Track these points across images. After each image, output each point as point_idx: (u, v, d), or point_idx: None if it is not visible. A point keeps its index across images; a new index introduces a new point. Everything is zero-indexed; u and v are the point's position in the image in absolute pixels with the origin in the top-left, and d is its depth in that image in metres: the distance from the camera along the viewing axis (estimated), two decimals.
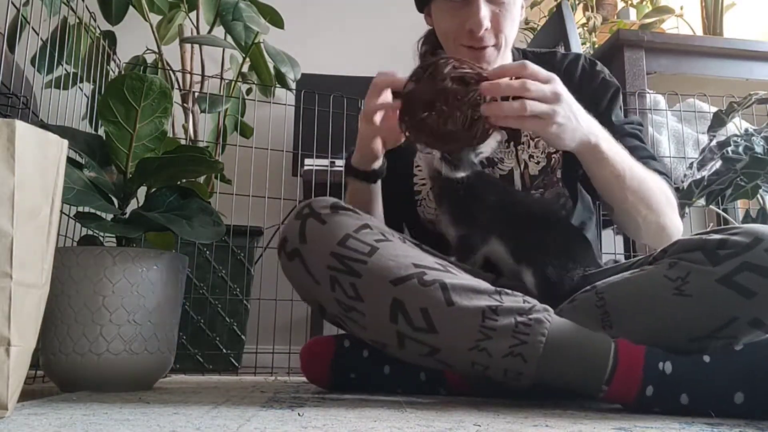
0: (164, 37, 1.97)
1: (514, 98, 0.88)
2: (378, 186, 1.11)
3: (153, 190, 1.19)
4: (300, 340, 1.78)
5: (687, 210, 1.67)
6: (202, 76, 2.02)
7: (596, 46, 2.20)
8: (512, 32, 1.10)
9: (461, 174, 1.00)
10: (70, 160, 1.00)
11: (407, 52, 1.22)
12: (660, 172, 1.07)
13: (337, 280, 0.88)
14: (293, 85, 1.96)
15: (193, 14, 2.00)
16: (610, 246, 2.06)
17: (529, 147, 1.15)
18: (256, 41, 1.86)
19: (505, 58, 1.15)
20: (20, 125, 0.69)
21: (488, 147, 1.01)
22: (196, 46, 2.02)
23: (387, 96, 0.96)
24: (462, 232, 1.03)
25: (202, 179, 1.77)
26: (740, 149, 1.56)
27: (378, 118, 0.98)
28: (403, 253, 0.89)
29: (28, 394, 0.95)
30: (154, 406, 0.82)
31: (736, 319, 0.82)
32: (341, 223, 0.91)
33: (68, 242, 1.34)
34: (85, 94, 1.56)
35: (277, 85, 2.01)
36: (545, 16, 2.37)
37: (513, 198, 1.08)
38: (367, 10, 2.55)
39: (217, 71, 2.08)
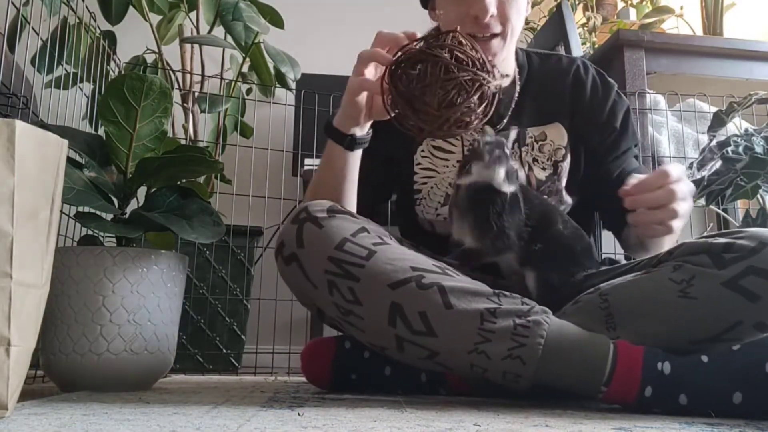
0: (164, 37, 1.97)
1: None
2: (356, 159, 1.03)
3: (153, 190, 1.19)
4: (300, 340, 1.78)
5: None
6: (202, 76, 2.02)
7: (596, 46, 2.20)
8: (518, 23, 1.09)
9: (511, 188, 0.96)
10: (70, 160, 1.00)
11: None
12: None
13: (335, 284, 0.88)
14: (293, 85, 1.96)
15: (193, 14, 2.00)
16: (610, 246, 2.06)
17: (533, 150, 1.15)
18: (256, 41, 1.86)
19: (510, 51, 1.13)
20: (20, 125, 0.69)
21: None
22: (196, 46, 2.02)
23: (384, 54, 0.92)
24: (479, 245, 0.98)
25: (202, 179, 1.77)
26: (740, 149, 1.56)
27: (371, 70, 0.94)
28: (400, 257, 0.89)
29: (28, 394, 0.95)
30: (154, 406, 0.82)
31: (740, 323, 0.82)
32: (338, 227, 0.90)
33: (68, 242, 1.34)
34: (85, 94, 1.56)
35: (277, 85, 2.01)
36: (545, 16, 2.37)
37: (537, 206, 1.03)
38: (368, 9, 2.55)
39: (217, 71, 2.08)
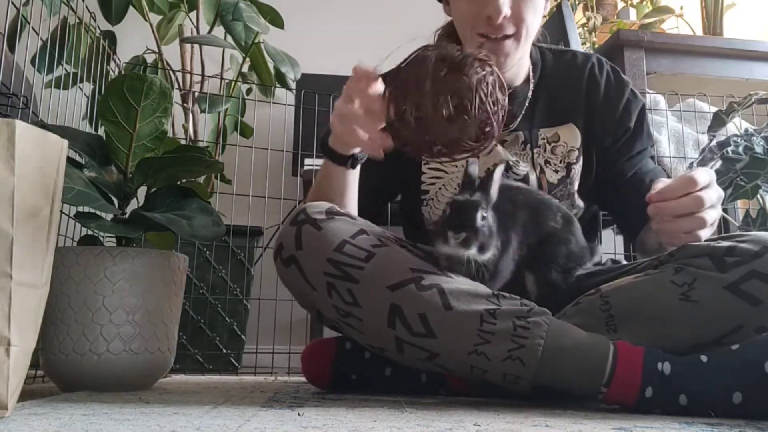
0: (164, 37, 1.97)
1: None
2: (356, 173, 1.02)
3: (153, 190, 1.18)
4: (300, 340, 1.78)
5: None
6: (202, 76, 2.01)
7: (596, 46, 2.20)
8: (535, 23, 1.05)
9: (487, 255, 0.90)
10: (70, 160, 1.00)
11: (409, 52, 1.22)
12: None
13: (334, 286, 0.88)
14: (293, 85, 1.96)
15: (193, 14, 2.00)
16: (610, 246, 2.06)
17: (545, 151, 1.13)
18: (256, 41, 1.86)
19: (525, 51, 1.10)
20: (20, 125, 0.69)
21: (495, 189, 0.91)
22: (196, 46, 2.02)
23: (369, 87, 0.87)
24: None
25: (202, 179, 1.77)
26: (740, 149, 1.56)
27: (356, 106, 0.88)
28: (400, 258, 0.89)
29: (28, 394, 0.95)
30: (154, 406, 0.82)
31: (741, 327, 0.82)
32: (337, 229, 0.90)
33: (68, 242, 1.34)
34: (85, 94, 1.56)
35: (277, 85, 2.01)
36: (545, 16, 2.37)
37: (542, 211, 1.00)
38: (368, 9, 2.55)
39: (217, 71, 2.08)
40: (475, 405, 0.87)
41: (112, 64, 1.75)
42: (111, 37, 1.91)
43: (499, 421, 0.69)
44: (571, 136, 1.14)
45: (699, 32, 2.31)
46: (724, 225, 1.93)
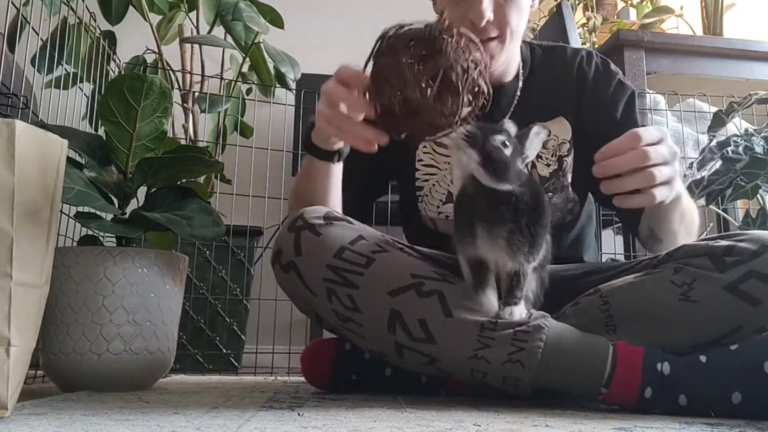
0: (164, 37, 1.97)
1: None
2: (339, 168, 1.00)
3: (153, 190, 1.19)
4: (300, 340, 1.78)
5: None
6: (202, 76, 2.01)
7: (596, 46, 2.20)
8: (520, 24, 1.05)
9: (507, 186, 0.82)
10: (70, 160, 1.00)
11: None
12: None
13: (334, 292, 0.88)
14: (293, 85, 1.96)
15: (193, 14, 2.00)
16: (610, 246, 2.06)
17: None
18: (256, 41, 1.86)
19: (512, 51, 1.10)
20: (20, 125, 0.69)
21: (533, 150, 0.86)
22: (196, 46, 2.02)
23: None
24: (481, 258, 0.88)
25: (202, 179, 1.77)
26: (740, 149, 1.57)
27: (342, 107, 0.84)
28: (400, 263, 0.89)
29: (28, 394, 0.95)
30: (154, 406, 0.82)
31: (741, 327, 0.82)
32: (336, 235, 0.90)
33: (68, 242, 1.34)
34: (85, 94, 1.56)
35: (277, 85, 2.01)
36: (545, 16, 2.37)
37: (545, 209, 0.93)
38: (368, 9, 2.55)
39: (217, 71, 2.08)
40: (475, 405, 0.87)
41: (112, 64, 1.75)
42: (111, 37, 1.90)
43: (499, 421, 0.69)
44: (561, 130, 1.13)
45: (699, 32, 2.31)
46: (723, 225, 1.93)
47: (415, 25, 0.82)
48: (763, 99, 1.67)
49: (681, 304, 0.83)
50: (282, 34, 2.00)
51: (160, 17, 1.98)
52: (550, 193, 1.12)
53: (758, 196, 1.61)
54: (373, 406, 0.82)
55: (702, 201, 1.67)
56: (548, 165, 1.12)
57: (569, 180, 1.13)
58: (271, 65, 1.96)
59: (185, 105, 1.97)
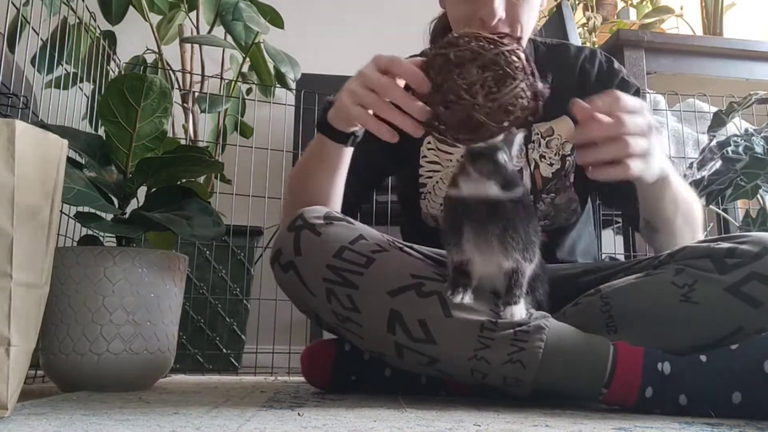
0: (164, 37, 1.97)
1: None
2: (349, 153, 0.98)
3: (153, 190, 1.19)
4: (300, 340, 1.78)
5: None
6: (202, 76, 2.02)
7: (596, 46, 2.20)
8: (531, 21, 1.05)
9: (516, 195, 0.82)
10: (70, 160, 1.00)
11: (409, 52, 1.21)
12: None
13: (334, 292, 0.87)
14: (293, 85, 1.96)
15: (193, 14, 2.00)
16: (610, 246, 2.06)
17: (539, 146, 1.12)
18: (256, 41, 1.86)
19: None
20: (20, 125, 0.69)
21: (515, 156, 0.86)
22: (196, 46, 2.02)
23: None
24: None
25: (202, 179, 1.77)
26: (740, 149, 1.57)
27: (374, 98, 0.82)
28: (400, 264, 0.88)
29: (28, 394, 0.95)
30: (154, 406, 0.82)
31: (742, 329, 0.82)
32: (336, 235, 0.90)
33: (68, 242, 1.34)
34: (85, 94, 1.56)
35: (277, 85, 2.01)
36: (545, 16, 2.37)
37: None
38: (368, 9, 2.55)
39: (217, 71, 2.08)
40: (475, 405, 0.87)
41: (112, 64, 1.75)
42: (111, 37, 1.91)
43: (499, 421, 0.69)
44: (565, 129, 1.13)
45: (699, 32, 2.31)
46: (724, 225, 1.93)
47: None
48: (763, 99, 1.67)
49: (682, 305, 0.83)
50: (282, 34, 2.00)
51: (160, 17, 1.98)
52: (553, 194, 1.12)
53: (758, 196, 1.61)
54: (373, 406, 0.82)
55: (702, 201, 1.67)
56: (551, 164, 1.11)
57: (572, 179, 1.13)
58: (271, 65, 1.96)
59: (185, 105, 1.97)
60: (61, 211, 0.82)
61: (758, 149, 1.55)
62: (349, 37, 2.50)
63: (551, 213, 1.13)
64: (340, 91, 0.90)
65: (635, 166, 0.79)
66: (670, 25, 2.39)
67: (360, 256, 0.88)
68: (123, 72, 1.80)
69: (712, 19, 2.25)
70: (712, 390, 0.79)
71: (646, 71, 1.84)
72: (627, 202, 1.04)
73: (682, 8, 2.40)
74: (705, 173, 1.67)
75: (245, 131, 2.05)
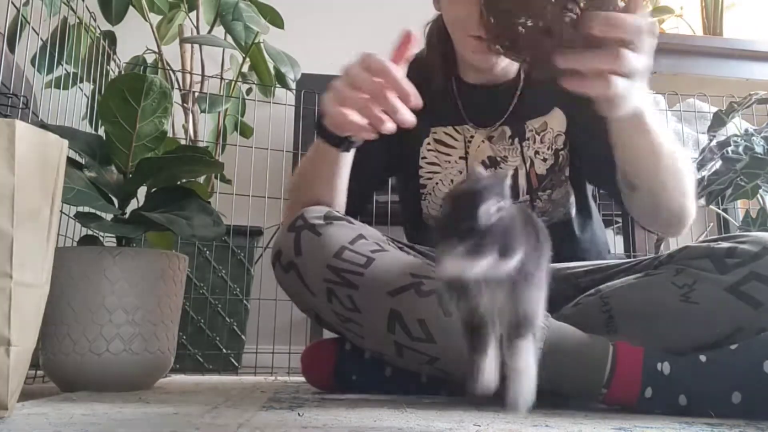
0: (164, 37, 1.97)
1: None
2: (348, 159, 0.95)
3: (153, 190, 1.19)
4: (300, 340, 1.78)
5: None
6: (202, 76, 2.01)
7: None
8: None
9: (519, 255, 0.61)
10: (70, 160, 1.00)
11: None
12: None
13: (334, 292, 0.87)
14: (293, 85, 1.96)
15: (193, 14, 2.00)
16: (610, 246, 2.06)
17: (534, 142, 1.10)
18: (256, 41, 1.86)
19: None
20: (20, 125, 0.69)
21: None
22: (196, 46, 2.02)
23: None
24: None
25: (202, 179, 1.77)
26: (740, 149, 1.57)
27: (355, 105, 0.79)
28: (399, 263, 0.88)
29: (28, 394, 0.95)
30: (154, 406, 0.82)
31: (742, 329, 0.82)
32: (336, 235, 0.89)
33: (68, 242, 1.34)
34: (85, 94, 1.56)
35: (277, 85, 2.01)
36: None
37: None
38: (368, 9, 2.55)
39: (217, 71, 2.08)
40: (475, 405, 0.87)
41: (112, 64, 1.75)
42: (111, 37, 1.90)
43: (499, 421, 0.69)
44: (557, 122, 1.11)
45: (699, 32, 2.31)
46: (724, 225, 1.93)
47: None
48: (763, 99, 1.67)
49: (682, 306, 0.83)
50: (282, 34, 2.00)
51: (160, 17, 1.98)
52: (549, 190, 1.11)
53: (758, 196, 1.61)
54: (373, 406, 0.82)
55: (702, 201, 1.67)
56: (545, 160, 1.10)
57: (567, 174, 1.12)
58: (271, 65, 1.96)
59: (185, 105, 1.97)
60: (61, 211, 0.82)
61: (758, 149, 1.56)
62: (349, 37, 2.50)
63: (549, 209, 1.12)
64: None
65: (620, 86, 0.67)
66: (670, 25, 2.38)
67: (360, 256, 0.88)
68: (123, 72, 1.80)
69: (712, 19, 2.25)
70: (712, 390, 0.79)
71: None
72: (613, 174, 0.97)
73: (682, 8, 2.40)
74: (705, 173, 1.67)
75: (245, 131, 2.05)
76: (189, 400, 0.90)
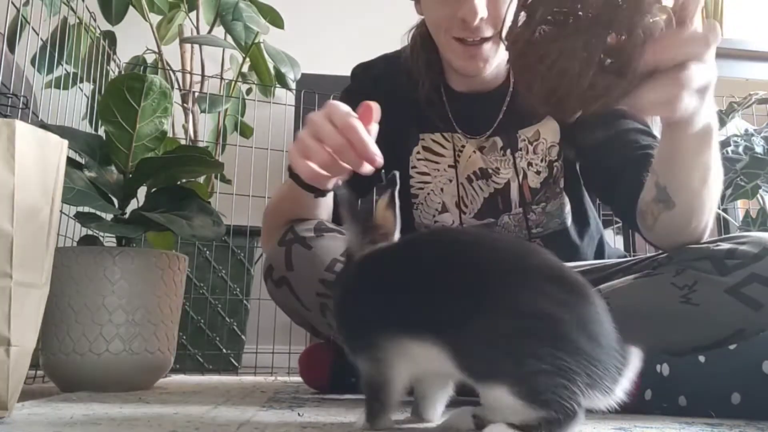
0: (164, 37, 1.97)
1: None
2: (328, 200, 0.92)
3: (153, 190, 1.19)
4: (300, 340, 1.78)
5: None
6: (202, 76, 2.02)
7: None
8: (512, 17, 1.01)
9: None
10: (70, 160, 1.00)
11: None
12: None
13: (328, 306, 0.86)
14: (293, 85, 1.96)
15: (193, 14, 2.00)
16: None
17: (527, 153, 1.07)
18: (256, 41, 1.86)
19: (502, 53, 1.00)
20: (20, 125, 0.69)
21: None
22: (196, 46, 2.02)
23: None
24: None
25: (202, 179, 1.77)
26: (740, 149, 1.57)
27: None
28: None
29: (28, 394, 0.95)
30: (154, 406, 0.82)
31: (742, 331, 0.81)
32: (327, 248, 0.88)
33: (68, 242, 1.34)
34: (85, 94, 1.56)
35: (277, 85, 2.01)
36: None
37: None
38: (368, 9, 2.55)
39: (217, 71, 2.08)
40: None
41: (112, 64, 1.75)
42: (111, 37, 1.91)
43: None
44: (550, 132, 1.07)
45: None
46: (724, 225, 1.93)
47: None
48: (763, 99, 1.67)
49: (682, 307, 0.83)
50: (282, 34, 2.00)
51: (160, 17, 1.98)
52: (543, 203, 1.08)
53: (758, 196, 1.61)
54: None
55: None
56: (538, 173, 1.07)
57: (561, 185, 1.09)
58: (271, 65, 1.96)
59: (185, 105, 1.98)
60: (61, 211, 0.82)
61: (758, 149, 1.56)
62: (349, 37, 2.50)
63: (543, 221, 1.09)
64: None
65: (689, 105, 0.61)
66: None
67: None
68: (123, 72, 1.81)
69: (712, 20, 2.26)
70: (712, 391, 0.79)
71: None
72: (611, 184, 0.96)
73: None
74: None
75: (245, 131, 2.05)
76: (189, 400, 0.90)
